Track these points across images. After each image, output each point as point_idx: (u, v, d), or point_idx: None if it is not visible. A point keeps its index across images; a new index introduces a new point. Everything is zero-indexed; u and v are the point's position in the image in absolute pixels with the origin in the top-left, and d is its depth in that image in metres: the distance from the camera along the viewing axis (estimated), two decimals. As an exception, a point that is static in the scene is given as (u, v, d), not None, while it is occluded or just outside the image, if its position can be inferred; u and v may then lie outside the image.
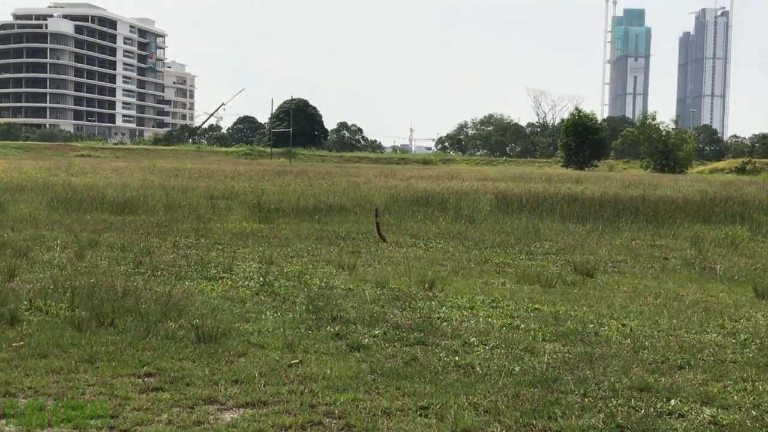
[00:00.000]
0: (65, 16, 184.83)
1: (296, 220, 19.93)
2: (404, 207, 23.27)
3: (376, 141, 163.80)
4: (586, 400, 5.97)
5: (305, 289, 10.21)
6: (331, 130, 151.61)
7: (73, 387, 6.04)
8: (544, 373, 6.60)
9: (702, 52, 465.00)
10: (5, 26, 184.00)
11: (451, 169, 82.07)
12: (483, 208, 23.86)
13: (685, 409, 5.86)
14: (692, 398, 6.11)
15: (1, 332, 7.49)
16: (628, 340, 7.89)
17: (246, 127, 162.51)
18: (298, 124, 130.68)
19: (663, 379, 6.57)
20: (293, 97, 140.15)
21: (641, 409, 5.80)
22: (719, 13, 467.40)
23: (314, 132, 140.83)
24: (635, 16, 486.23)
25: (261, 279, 10.82)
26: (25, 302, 8.70)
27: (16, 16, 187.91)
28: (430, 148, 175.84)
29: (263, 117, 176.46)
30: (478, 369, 6.73)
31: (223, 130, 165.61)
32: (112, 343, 7.21)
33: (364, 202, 24.05)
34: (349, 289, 10.45)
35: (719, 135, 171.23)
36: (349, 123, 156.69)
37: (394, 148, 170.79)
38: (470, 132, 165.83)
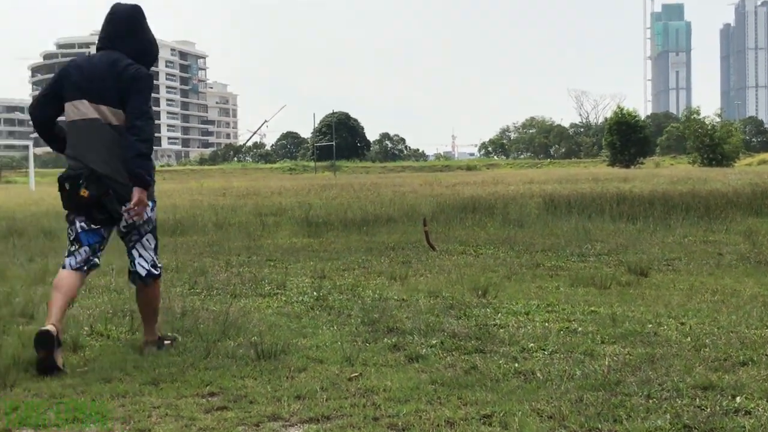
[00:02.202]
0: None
1: (345, 232, 19.99)
2: (451, 214, 23.22)
3: (419, 150, 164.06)
4: (650, 401, 5.91)
5: (359, 302, 10.21)
6: (374, 141, 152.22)
7: (139, 410, 6.09)
8: (606, 376, 6.54)
9: (744, 44, 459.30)
10: (50, 56, 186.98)
11: (495, 173, 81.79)
12: (531, 212, 23.75)
13: (752, 406, 5.77)
14: (757, 395, 6.02)
15: (65, 359, 7.58)
16: (689, 339, 7.80)
17: (289, 142, 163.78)
18: (340, 137, 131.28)
19: (727, 376, 6.48)
20: (334, 111, 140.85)
21: (707, 408, 5.72)
22: (759, 2, 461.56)
23: (357, 144, 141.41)
24: (674, 11, 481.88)
25: (315, 293, 10.85)
26: (86, 327, 8.79)
27: (59, 45, 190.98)
28: (473, 154, 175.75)
29: (306, 132, 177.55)
30: (538, 375, 6.69)
31: (267, 147, 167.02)
32: (174, 365, 7.27)
33: (411, 212, 24.03)
34: (403, 299, 10.42)
35: (766, 126, 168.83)
36: (392, 133, 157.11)
37: (438, 156, 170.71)
38: (513, 136, 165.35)
